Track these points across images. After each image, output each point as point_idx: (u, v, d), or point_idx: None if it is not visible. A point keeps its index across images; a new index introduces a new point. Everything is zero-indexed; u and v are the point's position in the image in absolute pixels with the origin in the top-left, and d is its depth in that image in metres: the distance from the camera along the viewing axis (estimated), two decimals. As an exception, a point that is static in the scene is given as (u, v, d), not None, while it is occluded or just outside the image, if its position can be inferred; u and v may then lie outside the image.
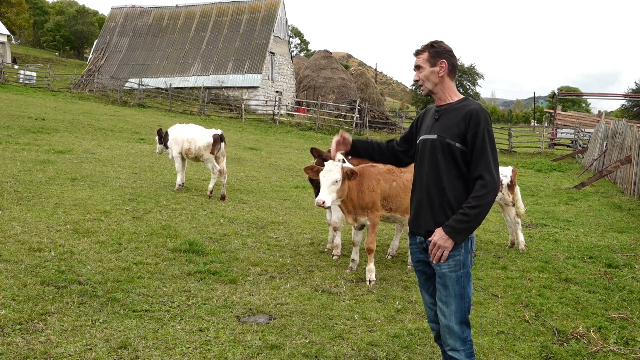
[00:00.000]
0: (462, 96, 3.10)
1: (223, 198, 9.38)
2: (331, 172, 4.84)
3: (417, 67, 3.09)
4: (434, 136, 3.02)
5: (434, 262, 2.98)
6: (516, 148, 28.50)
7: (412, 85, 78.35)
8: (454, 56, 3.08)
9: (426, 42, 3.14)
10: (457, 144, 2.94)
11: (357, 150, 3.48)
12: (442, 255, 2.93)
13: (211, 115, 32.61)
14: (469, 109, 2.96)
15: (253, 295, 4.98)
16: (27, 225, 6.39)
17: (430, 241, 3.01)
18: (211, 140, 9.31)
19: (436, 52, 3.05)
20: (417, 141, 3.18)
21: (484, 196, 2.86)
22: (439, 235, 2.92)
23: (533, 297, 5.40)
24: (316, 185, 6.75)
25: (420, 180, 3.09)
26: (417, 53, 3.11)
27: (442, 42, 3.10)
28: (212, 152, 9.36)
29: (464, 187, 2.97)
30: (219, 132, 9.55)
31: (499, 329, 4.55)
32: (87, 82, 38.14)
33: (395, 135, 31.40)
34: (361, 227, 5.85)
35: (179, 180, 9.74)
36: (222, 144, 9.50)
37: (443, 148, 2.97)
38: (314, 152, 6.25)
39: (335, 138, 3.46)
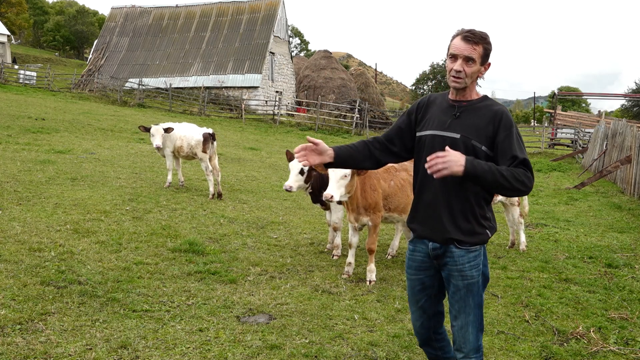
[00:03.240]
0: (480, 94, 2.86)
1: (220, 196, 9.43)
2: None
3: (468, 59, 2.68)
4: (457, 135, 2.71)
5: (428, 170, 2.55)
6: (516, 148, 28.46)
7: (412, 85, 78.31)
8: None
9: (478, 31, 2.71)
10: (484, 147, 2.69)
11: (343, 160, 2.96)
12: (438, 170, 2.51)
13: (211, 115, 32.61)
14: (496, 109, 2.74)
15: (253, 295, 4.98)
16: (27, 225, 6.39)
17: (441, 247, 2.81)
18: (201, 138, 9.43)
19: (488, 52, 2.74)
20: (424, 134, 2.85)
21: (525, 182, 2.58)
22: (454, 155, 2.51)
23: (533, 297, 5.40)
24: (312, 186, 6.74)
25: (434, 182, 2.74)
26: (472, 41, 2.68)
27: (490, 39, 2.77)
28: (204, 151, 9.44)
29: (486, 193, 2.79)
30: (210, 130, 9.68)
31: (499, 329, 4.55)
32: (87, 82, 38.14)
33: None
34: (360, 227, 5.83)
35: (169, 178, 9.89)
36: (214, 143, 9.62)
37: (467, 150, 2.68)
38: (288, 154, 6.33)
39: (299, 146, 2.88)
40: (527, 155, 2.66)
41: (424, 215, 2.86)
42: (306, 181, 6.26)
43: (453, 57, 2.72)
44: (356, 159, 2.98)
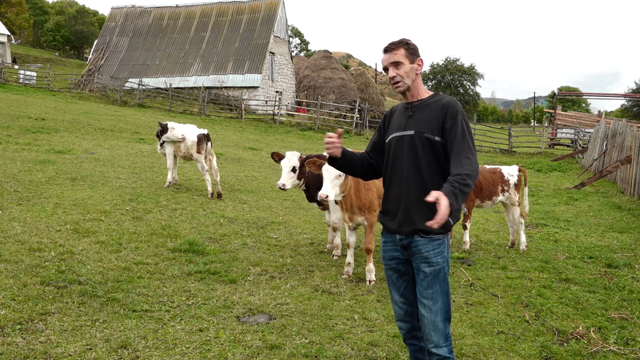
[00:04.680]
0: (431, 92, 3.11)
1: (219, 196, 9.45)
2: None
3: (396, 64, 3.01)
4: (411, 132, 2.99)
5: (435, 226, 2.60)
6: (516, 148, 28.50)
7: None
8: None
9: (396, 40, 3.07)
10: (437, 138, 2.94)
11: (344, 162, 3.24)
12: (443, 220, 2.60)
13: (211, 115, 32.60)
14: (444, 102, 2.99)
15: (253, 295, 4.98)
16: (27, 225, 6.39)
17: (407, 237, 3.00)
18: (195, 139, 9.52)
19: (412, 49, 3.04)
20: (388, 139, 3.14)
21: (472, 174, 2.76)
22: (445, 202, 2.57)
23: (533, 297, 5.40)
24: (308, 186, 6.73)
25: (398, 177, 3.04)
26: (391, 49, 3.03)
27: (410, 40, 3.10)
28: (199, 152, 9.51)
29: (444, 181, 2.92)
30: (205, 131, 9.77)
31: (499, 329, 4.55)
32: (87, 82, 38.14)
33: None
34: (355, 226, 5.81)
35: (169, 177, 9.92)
36: (209, 144, 9.69)
37: (422, 143, 2.96)
38: (275, 156, 6.35)
39: (330, 135, 3.15)
40: (473, 142, 2.92)
41: (392, 209, 3.09)
42: (299, 178, 6.34)
43: (386, 69, 3.08)
44: (354, 164, 3.28)
